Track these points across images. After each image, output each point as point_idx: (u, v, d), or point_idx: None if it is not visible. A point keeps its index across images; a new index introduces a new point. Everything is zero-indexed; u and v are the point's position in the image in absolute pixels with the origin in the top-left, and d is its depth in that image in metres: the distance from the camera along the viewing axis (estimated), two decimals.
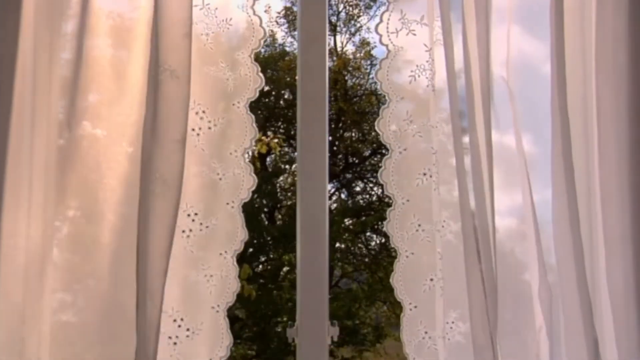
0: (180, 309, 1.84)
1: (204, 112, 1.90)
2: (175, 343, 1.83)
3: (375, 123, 1.96)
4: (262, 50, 7.27)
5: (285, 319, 6.37)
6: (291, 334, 1.94)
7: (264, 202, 7.12)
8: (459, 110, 1.77)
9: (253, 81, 1.92)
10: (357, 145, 6.87)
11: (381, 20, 1.98)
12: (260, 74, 1.92)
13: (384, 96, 1.97)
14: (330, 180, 6.57)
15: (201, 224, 1.87)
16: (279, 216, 7.22)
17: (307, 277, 1.94)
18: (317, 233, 1.96)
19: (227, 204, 1.88)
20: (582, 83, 1.90)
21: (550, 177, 1.79)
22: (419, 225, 1.93)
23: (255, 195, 6.92)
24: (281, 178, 7.19)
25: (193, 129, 1.88)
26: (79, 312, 1.79)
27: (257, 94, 1.93)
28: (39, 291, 1.75)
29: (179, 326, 1.83)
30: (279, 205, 7.21)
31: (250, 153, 1.91)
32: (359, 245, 6.74)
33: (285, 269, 6.87)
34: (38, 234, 1.77)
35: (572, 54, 1.86)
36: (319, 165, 1.99)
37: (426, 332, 1.90)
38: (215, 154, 1.89)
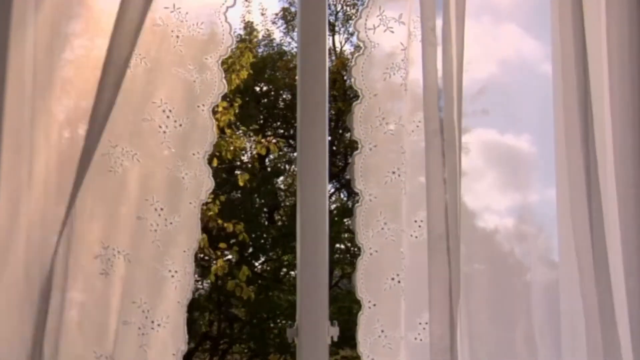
0: (148, 300, 1.84)
1: (170, 110, 1.90)
2: (143, 334, 1.83)
3: (347, 118, 1.96)
4: (260, 50, 7.30)
5: (285, 319, 6.37)
6: (291, 334, 1.93)
7: (264, 202, 7.12)
8: (434, 110, 1.74)
9: (217, 87, 1.93)
10: (356, 146, 6.86)
11: (360, 17, 1.96)
12: (224, 81, 1.94)
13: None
14: (330, 180, 6.57)
15: (166, 219, 1.87)
16: (279, 216, 7.23)
17: (307, 277, 1.94)
18: (317, 233, 1.96)
19: (190, 203, 1.90)
20: (581, 82, 1.89)
21: (555, 175, 1.78)
22: (385, 223, 1.90)
23: (255, 195, 6.93)
24: (281, 178, 7.20)
25: (160, 127, 1.89)
26: (81, 310, 1.80)
27: (220, 100, 1.94)
28: (40, 290, 1.76)
29: (146, 317, 1.83)
30: (279, 205, 7.21)
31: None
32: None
33: (284, 269, 6.87)
34: (38, 233, 1.77)
35: (571, 53, 1.86)
36: (319, 165, 1.98)
37: (382, 331, 1.86)
38: (180, 153, 1.90)
